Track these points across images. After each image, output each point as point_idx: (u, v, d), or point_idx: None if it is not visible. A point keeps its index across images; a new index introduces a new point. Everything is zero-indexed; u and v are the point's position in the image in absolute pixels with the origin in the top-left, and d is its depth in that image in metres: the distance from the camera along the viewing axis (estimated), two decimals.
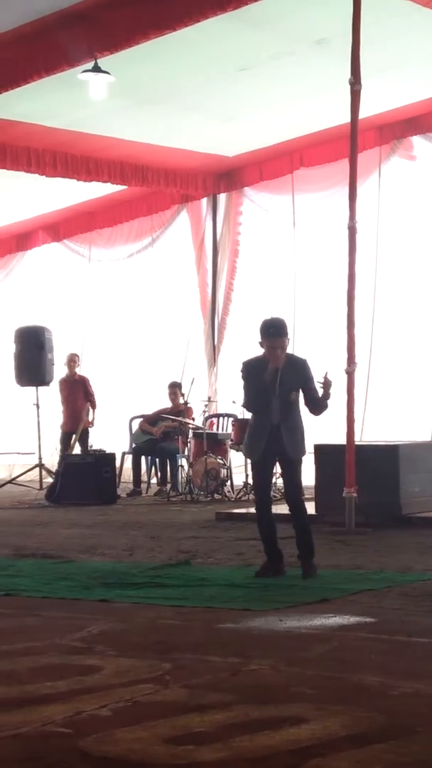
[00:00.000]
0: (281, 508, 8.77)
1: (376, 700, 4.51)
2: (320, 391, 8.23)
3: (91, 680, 4.92)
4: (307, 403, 8.24)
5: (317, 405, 8.25)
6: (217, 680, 4.90)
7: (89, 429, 16.67)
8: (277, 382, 8.07)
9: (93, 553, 9.72)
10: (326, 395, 8.23)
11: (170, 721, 4.23)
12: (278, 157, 17.19)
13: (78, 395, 16.90)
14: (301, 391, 8.20)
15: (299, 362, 8.32)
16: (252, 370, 8.24)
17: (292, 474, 8.36)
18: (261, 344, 8.17)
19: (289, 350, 8.46)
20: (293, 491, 8.38)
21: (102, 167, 16.87)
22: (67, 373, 16.95)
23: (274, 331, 8.11)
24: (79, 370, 17.46)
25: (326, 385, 8.21)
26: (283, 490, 9.14)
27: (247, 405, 8.42)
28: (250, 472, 14.43)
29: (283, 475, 8.55)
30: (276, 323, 8.20)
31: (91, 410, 16.65)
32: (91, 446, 16.21)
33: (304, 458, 8.47)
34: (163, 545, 10.09)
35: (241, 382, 8.39)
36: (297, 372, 8.19)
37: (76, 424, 16.74)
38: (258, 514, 8.47)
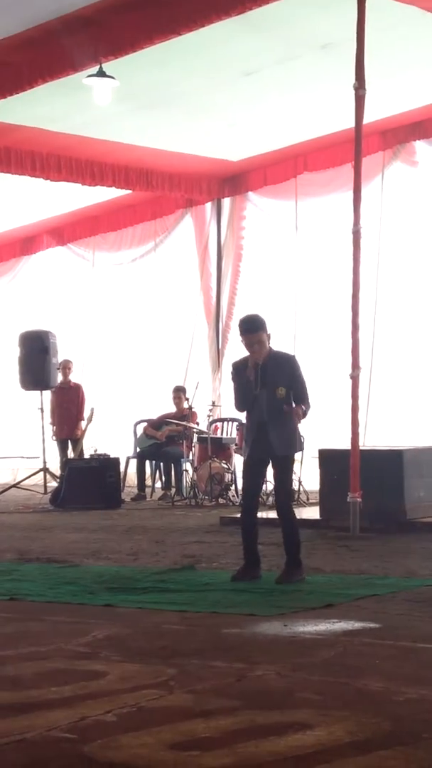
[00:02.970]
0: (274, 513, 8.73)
1: (381, 706, 4.51)
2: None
3: (96, 685, 4.93)
4: (294, 400, 8.16)
5: (304, 402, 8.18)
6: (221, 686, 4.91)
7: (82, 436, 16.72)
8: (258, 378, 8.08)
9: (97, 557, 9.72)
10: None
11: (175, 726, 4.23)
12: (282, 161, 17.18)
13: (72, 403, 16.96)
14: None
15: (284, 358, 8.32)
16: (238, 370, 8.31)
17: (281, 475, 8.30)
18: (242, 342, 8.25)
19: (290, 351, 8.46)
20: (280, 497, 8.36)
21: (106, 171, 16.87)
22: (61, 380, 16.96)
23: (246, 327, 8.22)
24: (76, 376, 17.48)
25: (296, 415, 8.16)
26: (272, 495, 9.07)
27: (235, 404, 8.47)
28: None
29: (274, 477, 8.50)
30: (248, 319, 8.30)
31: (87, 421, 16.62)
32: (96, 450, 16.22)
33: (303, 461, 8.47)
34: (167, 550, 10.09)
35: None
36: (282, 368, 8.18)
37: (70, 431, 16.83)
38: (241, 517, 8.49)
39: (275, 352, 8.32)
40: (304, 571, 8.17)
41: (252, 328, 8.19)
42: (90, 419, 16.32)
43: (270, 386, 8.09)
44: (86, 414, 16.59)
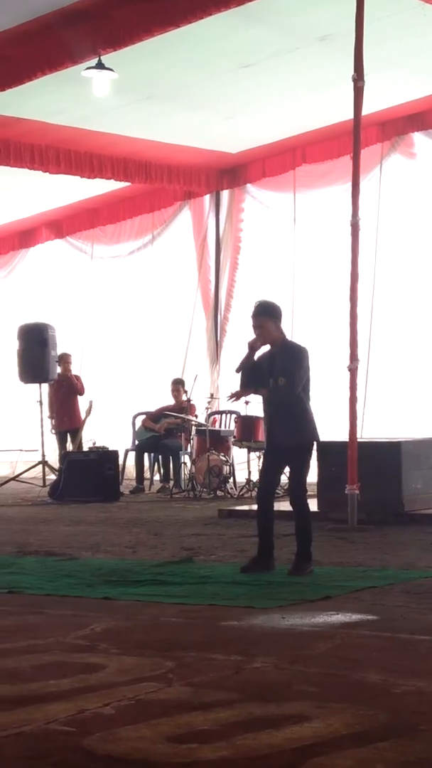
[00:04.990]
0: (286, 505, 8.73)
1: (379, 698, 4.52)
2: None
3: (95, 678, 4.93)
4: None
5: (288, 392, 8.16)
6: (220, 678, 4.92)
7: (81, 426, 16.75)
8: (268, 367, 8.16)
9: (96, 550, 9.73)
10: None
11: (173, 719, 4.24)
12: (281, 153, 17.19)
13: (72, 394, 16.96)
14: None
15: (294, 348, 8.34)
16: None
17: (293, 466, 8.37)
18: None
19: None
20: (292, 488, 8.42)
21: (105, 164, 16.87)
22: (60, 372, 16.96)
23: (253, 312, 8.33)
24: (75, 369, 17.46)
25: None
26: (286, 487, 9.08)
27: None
28: (253, 469, 14.46)
29: (289, 468, 8.55)
30: (257, 303, 8.39)
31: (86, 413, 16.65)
32: (94, 443, 16.23)
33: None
34: (166, 542, 10.10)
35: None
36: (287, 358, 8.21)
37: (72, 423, 16.82)
38: (257, 507, 8.50)
39: (288, 342, 8.39)
40: (313, 563, 8.19)
41: (255, 312, 8.31)
42: (89, 412, 16.33)
43: (276, 375, 8.15)
44: (85, 407, 16.59)
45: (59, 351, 16.78)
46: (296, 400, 8.18)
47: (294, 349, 8.31)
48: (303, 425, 8.23)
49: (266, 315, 8.26)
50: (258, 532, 8.32)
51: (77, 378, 17.31)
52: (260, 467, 8.72)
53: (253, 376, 8.28)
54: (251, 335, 8.34)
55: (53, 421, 17.09)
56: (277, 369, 8.15)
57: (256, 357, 8.36)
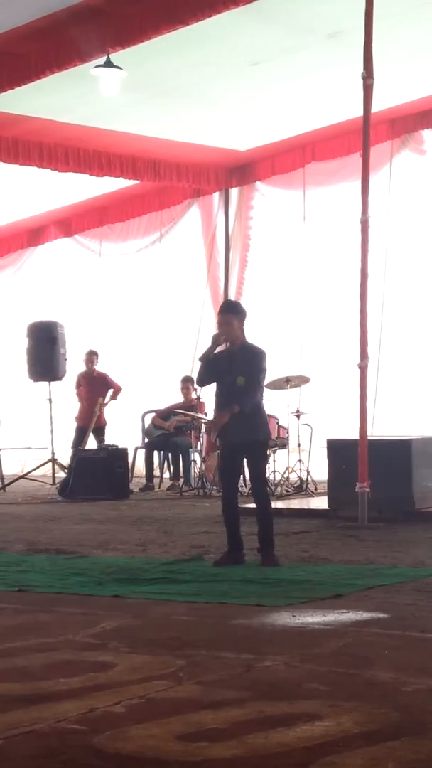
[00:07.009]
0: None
1: (390, 696, 4.51)
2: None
3: (105, 677, 4.93)
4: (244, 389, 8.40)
5: (248, 396, 8.40)
6: (230, 677, 4.91)
7: (104, 425, 16.73)
8: (228, 365, 8.41)
9: (106, 548, 9.73)
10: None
11: (184, 717, 4.24)
12: (290, 150, 17.15)
13: (97, 392, 16.90)
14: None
15: (254, 351, 8.56)
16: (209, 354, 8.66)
17: (252, 462, 8.61)
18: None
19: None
20: (256, 484, 8.66)
21: (114, 162, 16.85)
22: (85, 370, 17.01)
23: (220, 309, 8.82)
24: (83, 367, 17.48)
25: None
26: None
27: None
28: None
29: (247, 464, 8.74)
30: (225, 302, 9.14)
31: (109, 397, 16.67)
32: (103, 441, 16.22)
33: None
34: (175, 540, 10.09)
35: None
36: (247, 359, 8.45)
37: (98, 419, 16.82)
38: (223, 503, 8.70)
39: (248, 344, 8.60)
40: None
41: (222, 309, 8.75)
42: (101, 409, 16.37)
43: (234, 374, 8.36)
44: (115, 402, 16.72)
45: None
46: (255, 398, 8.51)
47: (254, 352, 8.55)
48: (258, 422, 8.51)
49: (233, 313, 8.59)
50: (228, 529, 8.56)
51: (105, 377, 17.18)
52: (221, 463, 8.84)
53: (211, 368, 8.54)
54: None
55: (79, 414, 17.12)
56: (235, 368, 8.39)
57: (216, 351, 8.64)
